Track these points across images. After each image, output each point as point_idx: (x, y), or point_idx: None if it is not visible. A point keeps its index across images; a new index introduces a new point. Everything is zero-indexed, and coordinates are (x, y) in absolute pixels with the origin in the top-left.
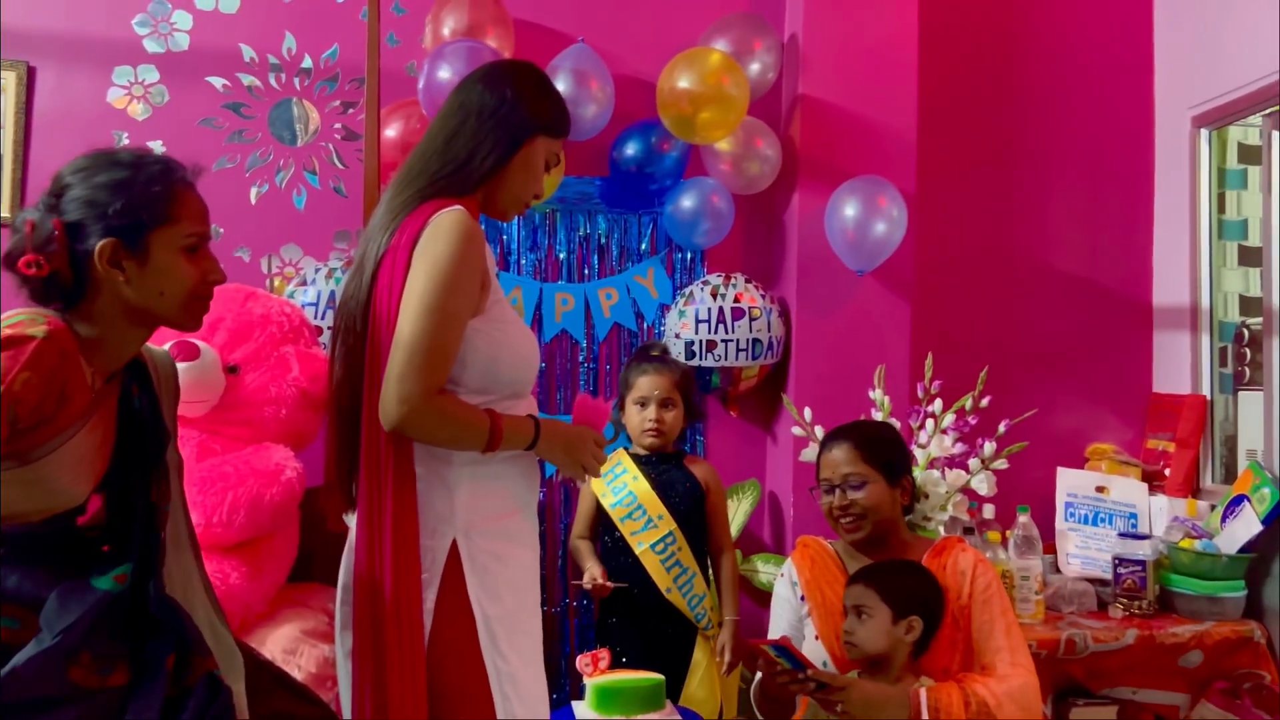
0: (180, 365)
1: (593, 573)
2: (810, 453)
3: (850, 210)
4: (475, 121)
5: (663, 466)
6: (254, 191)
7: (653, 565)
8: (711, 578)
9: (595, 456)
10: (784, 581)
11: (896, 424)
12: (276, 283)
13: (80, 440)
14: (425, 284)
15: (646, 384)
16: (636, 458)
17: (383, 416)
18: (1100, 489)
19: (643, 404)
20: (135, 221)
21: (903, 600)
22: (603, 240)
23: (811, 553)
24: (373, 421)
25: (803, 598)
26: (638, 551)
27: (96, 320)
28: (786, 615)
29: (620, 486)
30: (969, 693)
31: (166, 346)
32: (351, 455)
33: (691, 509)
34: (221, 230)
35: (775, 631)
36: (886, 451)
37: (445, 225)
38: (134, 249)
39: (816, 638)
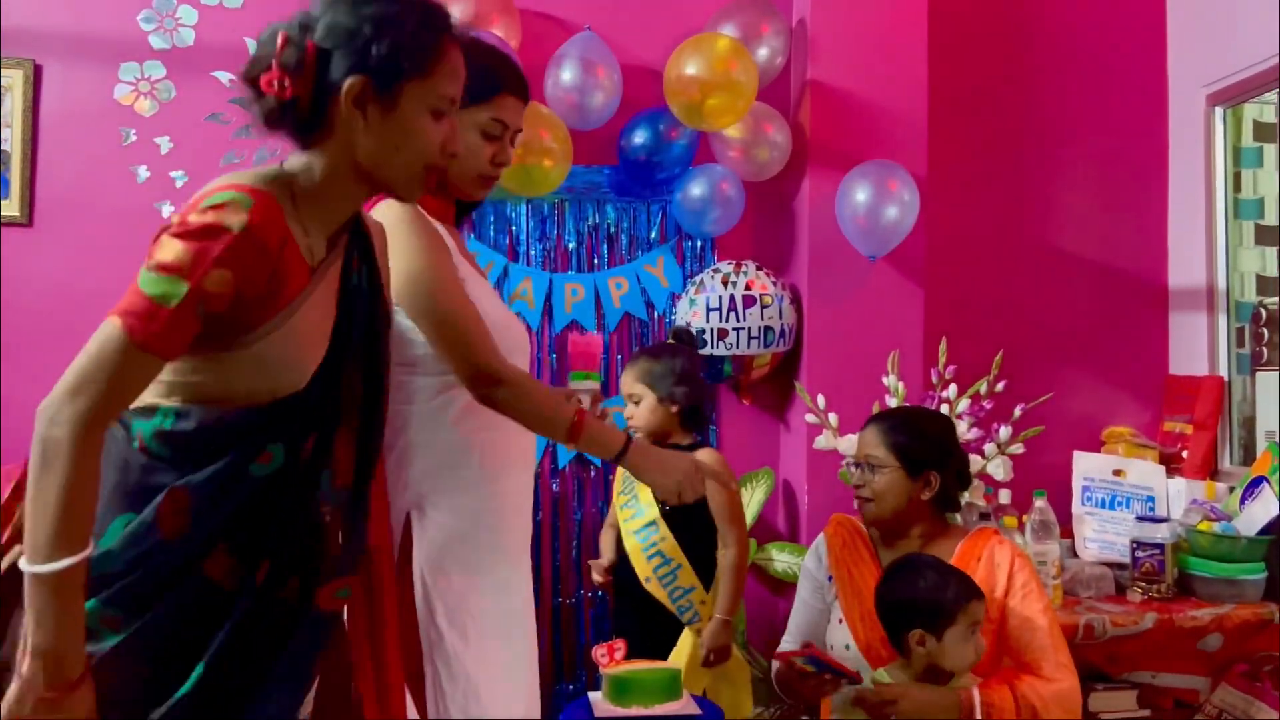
0: None
1: (599, 562)
2: (824, 440)
3: (861, 195)
4: None
5: None
6: None
7: (634, 552)
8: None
9: (693, 486)
10: (813, 555)
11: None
12: None
13: (300, 318)
14: (416, 270)
15: (621, 382)
16: (635, 431)
17: (474, 389)
18: (1117, 472)
19: (625, 402)
20: (393, 65)
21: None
22: (612, 229)
23: (844, 531)
24: None
25: (830, 577)
26: (624, 538)
27: (320, 168)
28: (809, 588)
29: (629, 477)
30: (1018, 695)
31: None
32: None
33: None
34: None
35: (798, 608)
36: (912, 442)
37: (386, 216)
38: (383, 94)
39: (841, 620)
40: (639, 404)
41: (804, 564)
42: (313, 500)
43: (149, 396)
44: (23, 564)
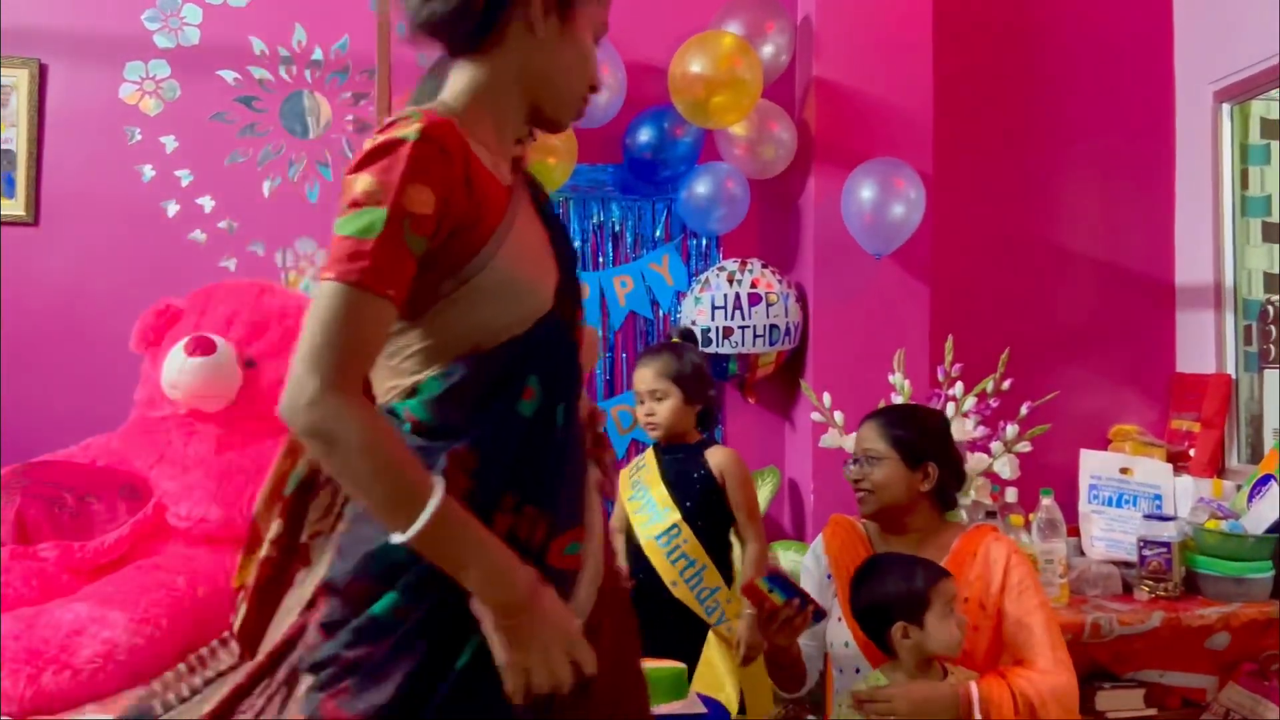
0: (196, 361)
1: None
2: (830, 438)
3: (867, 193)
4: None
5: (677, 456)
6: (267, 185)
7: (657, 558)
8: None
9: None
10: (811, 555)
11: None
12: (291, 276)
13: (517, 236)
14: None
15: (636, 378)
16: (657, 448)
17: None
18: (1124, 470)
19: (640, 399)
20: None
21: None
22: (617, 228)
23: (842, 530)
24: None
25: (829, 575)
26: (643, 544)
27: (484, 81)
28: (809, 586)
29: (638, 480)
30: (1016, 690)
31: (180, 344)
32: None
33: (705, 500)
34: (236, 224)
35: None
36: (909, 433)
37: None
38: (561, 8)
39: (840, 619)
40: (662, 400)
41: (803, 563)
42: (566, 439)
43: (405, 377)
44: (397, 539)
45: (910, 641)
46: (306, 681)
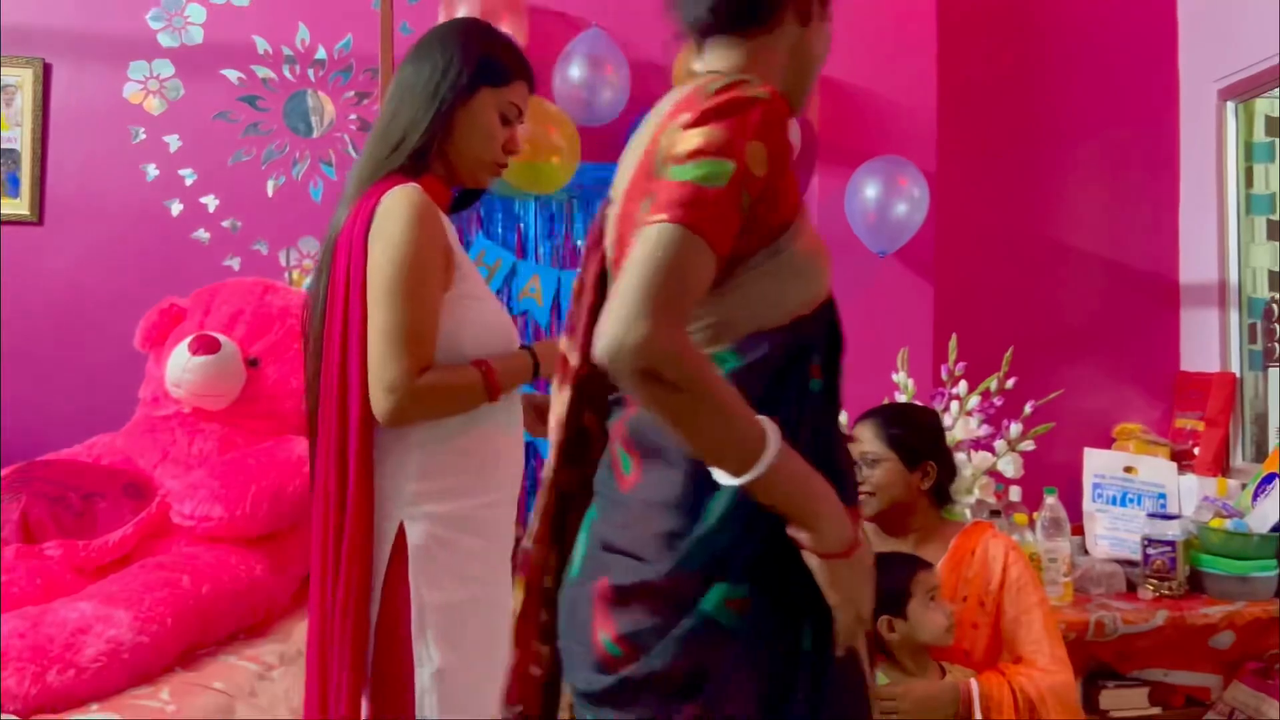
0: (200, 359)
1: None
2: None
3: (870, 191)
4: (409, 96)
5: None
6: (271, 184)
7: None
8: None
9: None
10: None
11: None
12: (295, 275)
13: (804, 214)
14: (387, 267)
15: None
16: None
17: (377, 411)
18: (1128, 469)
19: None
20: None
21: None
22: None
23: None
24: (331, 413)
25: None
26: None
27: (752, 64)
28: None
29: None
30: (1016, 687)
31: (184, 343)
32: None
33: None
34: (239, 223)
35: None
36: (907, 433)
37: (395, 205)
38: (822, 5)
39: None
40: None
41: None
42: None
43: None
44: (739, 480)
45: (897, 634)
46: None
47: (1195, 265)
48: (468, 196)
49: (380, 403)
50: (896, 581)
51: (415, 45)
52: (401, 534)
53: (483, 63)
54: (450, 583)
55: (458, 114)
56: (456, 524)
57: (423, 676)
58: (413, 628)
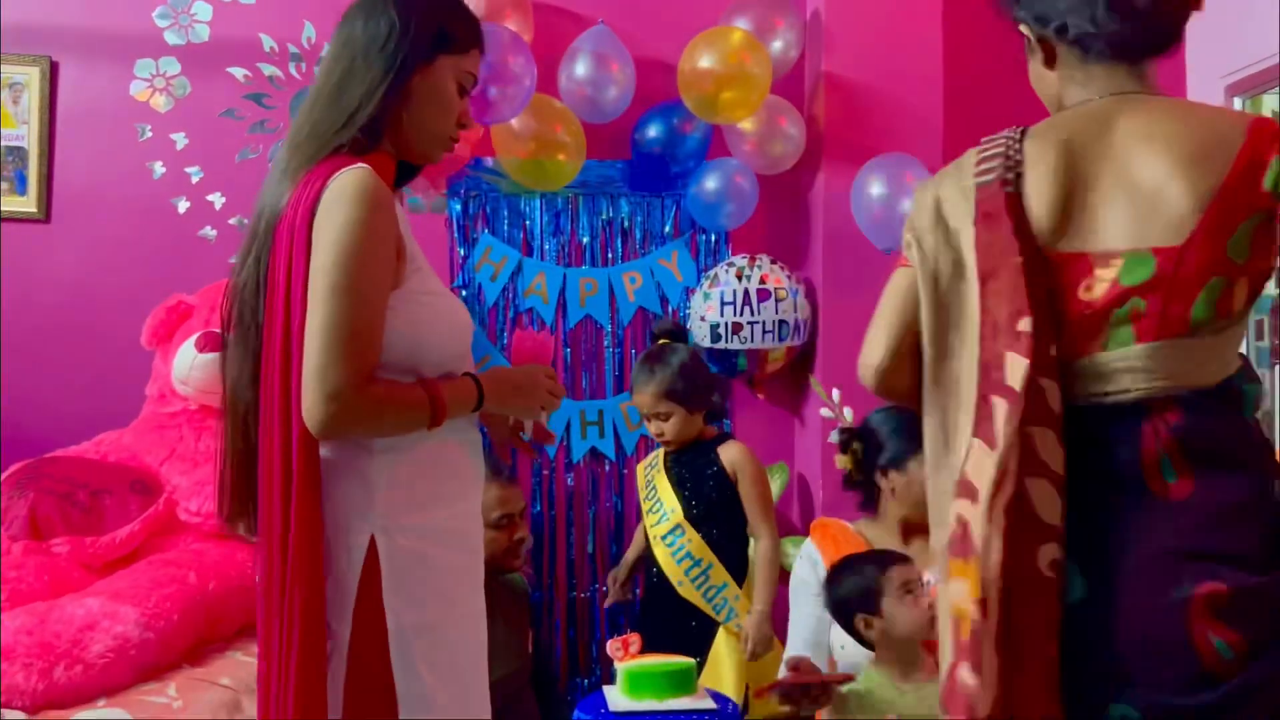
0: (207, 356)
1: (615, 573)
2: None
3: (876, 188)
4: (362, 59)
5: (689, 455)
6: None
7: (664, 559)
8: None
9: (551, 390)
10: (804, 563)
11: None
12: None
13: None
14: (331, 259)
15: (635, 400)
16: (667, 444)
17: (309, 419)
18: None
19: (645, 419)
20: None
21: None
22: (625, 224)
23: (833, 532)
24: (273, 420)
25: None
26: (651, 542)
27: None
28: (806, 597)
29: (650, 479)
30: None
31: (191, 339)
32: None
33: (718, 498)
34: (246, 221)
35: (796, 621)
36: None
37: (345, 189)
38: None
39: None
40: (668, 419)
41: (797, 574)
42: None
43: (1230, 366)
44: None
45: (874, 631)
46: None
47: None
48: (405, 172)
49: (316, 410)
50: (866, 578)
51: (361, 2)
52: (373, 550)
53: (441, 28)
54: (430, 601)
55: (414, 82)
56: (433, 537)
57: (408, 705)
58: (392, 654)
